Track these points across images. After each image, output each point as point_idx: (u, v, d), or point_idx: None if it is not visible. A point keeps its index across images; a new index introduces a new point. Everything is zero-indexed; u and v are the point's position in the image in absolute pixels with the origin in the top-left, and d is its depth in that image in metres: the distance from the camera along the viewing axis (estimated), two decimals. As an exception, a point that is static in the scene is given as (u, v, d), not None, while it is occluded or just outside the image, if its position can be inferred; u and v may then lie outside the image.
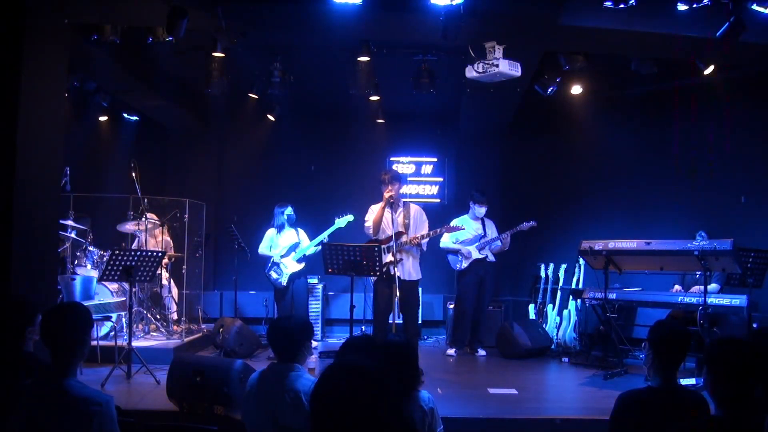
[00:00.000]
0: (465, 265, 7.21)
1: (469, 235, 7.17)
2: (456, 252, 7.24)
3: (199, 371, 4.35)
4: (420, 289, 7.04)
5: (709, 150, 7.17)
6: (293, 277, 7.21)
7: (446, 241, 7.22)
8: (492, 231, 7.27)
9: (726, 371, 2.21)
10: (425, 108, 8.66)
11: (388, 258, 6.24)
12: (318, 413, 1.62)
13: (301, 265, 7.27)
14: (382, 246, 6.20)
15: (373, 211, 6.60)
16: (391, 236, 6.31)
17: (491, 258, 7.27)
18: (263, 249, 7.38)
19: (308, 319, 7.06)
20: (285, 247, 7.27)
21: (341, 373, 1.65)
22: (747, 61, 6.60)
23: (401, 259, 6.39)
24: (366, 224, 6.64)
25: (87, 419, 2.38)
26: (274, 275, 7.24)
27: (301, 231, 7.41)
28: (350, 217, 7.08)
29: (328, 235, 7.04)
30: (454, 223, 7.06)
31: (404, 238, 6.45)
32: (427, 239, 6.63)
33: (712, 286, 6.11)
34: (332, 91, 7.78)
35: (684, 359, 2.80)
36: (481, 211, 7.24)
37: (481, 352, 7.22)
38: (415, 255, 6.59)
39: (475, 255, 7.17)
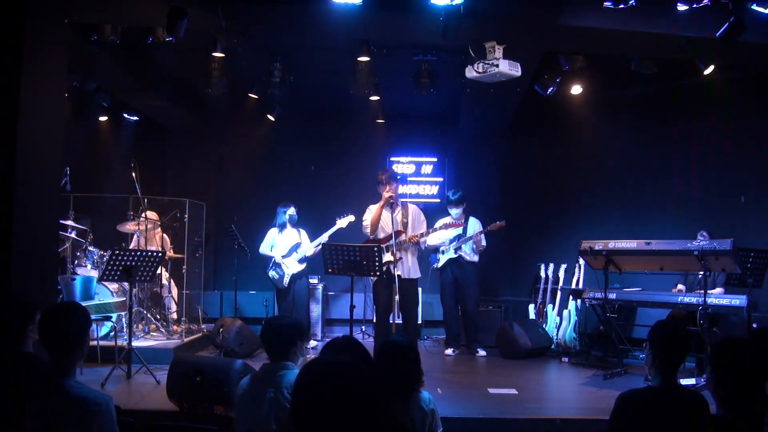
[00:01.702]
0: (441, 263, 7.29)
1: (450, 235, 7.19)
2: (435, 251, 7.33)
3: (199, 371, 4.34)
4: (420, 288, 7.05)
5: (709, 150, 7.17)
6: (294, 277, 7.23)
7: (433, 241, 7.20)
8: (474, 229, 7.24)
9: (730, 371, 2.22)
10: (425, 108, 8.66)
11: (388, 257, 6.24)
12: (298, 408, 1.63)
13: (303, 266, 7.28)
14: (382, 245, 6.20)
15: (371, 211, 6.59)
16: (391, 235, 6.30)
17: (471, 258, 7.25)
18: (264, 248, 7.40)
19: (302, 319, 7.08)
20: (286, 247, 7.28)
21: (320, 369, 1.67)
22: (747, 61, 6.60)
23: (400, 258, 6.39)
24: (364, 223, 6.63)
25: (86, 419, 2.38)
26: (275, 275, 7.25)
27: (302, 231, 7.42)
28: (351, 218, 7.09)
29: (329, 236, 7.04)
30: (438, 224, 7.06)
31: (403, 237, 6.45)
32: (425, 238, 6.65)
33: (717, 290, 6.10)
34: (332, 91, 7.78)
35: (684, 359, 2.80)
36: (455, 212, 7.21)
37: (481, 353, 7.22)
38: (413, 253, 6.60)
39: (450, 254, 7.19)
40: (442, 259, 7.30)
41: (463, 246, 7.19)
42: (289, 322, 3.21)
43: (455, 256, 7.21)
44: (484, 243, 7.20)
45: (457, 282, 7.27)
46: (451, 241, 7.21)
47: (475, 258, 7.28)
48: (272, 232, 7.42)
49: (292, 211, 7.38)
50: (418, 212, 6.76)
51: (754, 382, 2.21)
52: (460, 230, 7.15)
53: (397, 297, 5.95)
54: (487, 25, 5.67)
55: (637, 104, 8.07)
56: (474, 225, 7.28)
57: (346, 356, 2.18)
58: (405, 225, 6.54)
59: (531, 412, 4.80)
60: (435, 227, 6.85)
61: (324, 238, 7.05)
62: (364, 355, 2.63)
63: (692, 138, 7.35)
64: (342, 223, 7.12)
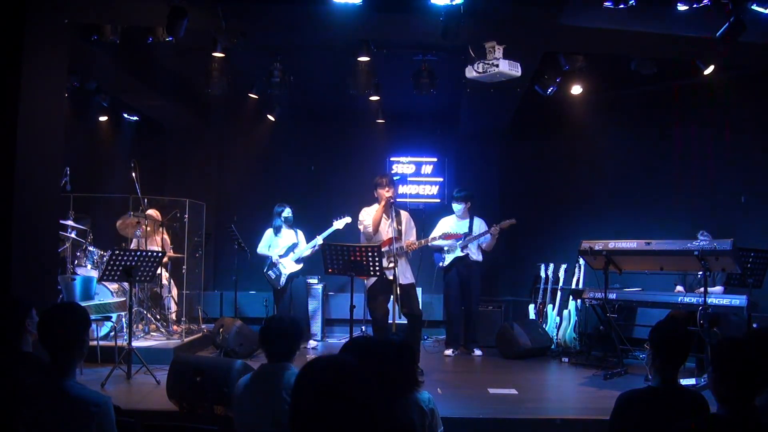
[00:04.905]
0: (447, 262, 7.26)
1: (449, 241, 7.17)
2: (440, 250, 7.30)
3: (199, 371, 4.34)
4: (420, 288, 7.02)
5: (709, 150, 7.17)
6: (291, 276, 7.24)
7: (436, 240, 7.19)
8: (480, 229, 7.24)
9: (731, 371, 2.22)
10: (425, 108, 8.66)
11: (386, 261, 6.16)
12: (297, 408, 1.63)
13: (300, 266, 7.30)
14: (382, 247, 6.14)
15: (368, 213, 6.31)
16: (390, 239, 6.21)
17: (476, 257, 7.25)
18: (262, 248, 7.42)
19: (300, 318, 7.06)
20: (284, 247, 7.29)
21: (320, 369, 1.67)
22: (747, 61, 6.59)
23: (396, 264, 6.30)
24: (365, 224, 6.28)
25: (86, 420, 2.38)
26: (272, 275, 7.26)
27: (299, 232, 7.43)
28: (348, 219, 7.09)
29: (325, 238, 7.03)
30: (440, 224, 7.05)
31: (400, 243, 6.34)
32: (420, 246, 6.50)
33: (717, 288, 6.10)
34: (332, 91, 7.77)
35: (685, 360, 2.80)
36: (457, 207, 7.24)
37: (477, 352, 7.21)
38: (408, 258, 6.46)
39: (457, 252, 7.18)
40: (449, 258, 7.27)
41: (469, 245, 7.19)
42: (289, 322, 3.19)
43: (462, 254, 7.20)
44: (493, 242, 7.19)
45: (462, 281, 7.25)
46: (457, 240, 7.21)
47: (480, 257, 7.29)
48: (269, 232, 7.45)
49: (287, 213, 7.39)
50: (409, 219, 6.47)
51: (756, 382, 2.21)
52: (459, 240, 7.12)
53: (398, 302, 5.89)
54: (487, 25, 5.67)
55: (637, 104, 8.06)
56: (479, 225, 7.28)
57: (362, 358, 2.18)
58: (399, 232, 6.36)
59: (531, 412, 4.80)
60: (434, 236, 6.77)
61: (319, 240, 7.07)
62: (379, 354, 2.56)
63: (692, 138, 7.36)
64: (339, 224, 7.12)
